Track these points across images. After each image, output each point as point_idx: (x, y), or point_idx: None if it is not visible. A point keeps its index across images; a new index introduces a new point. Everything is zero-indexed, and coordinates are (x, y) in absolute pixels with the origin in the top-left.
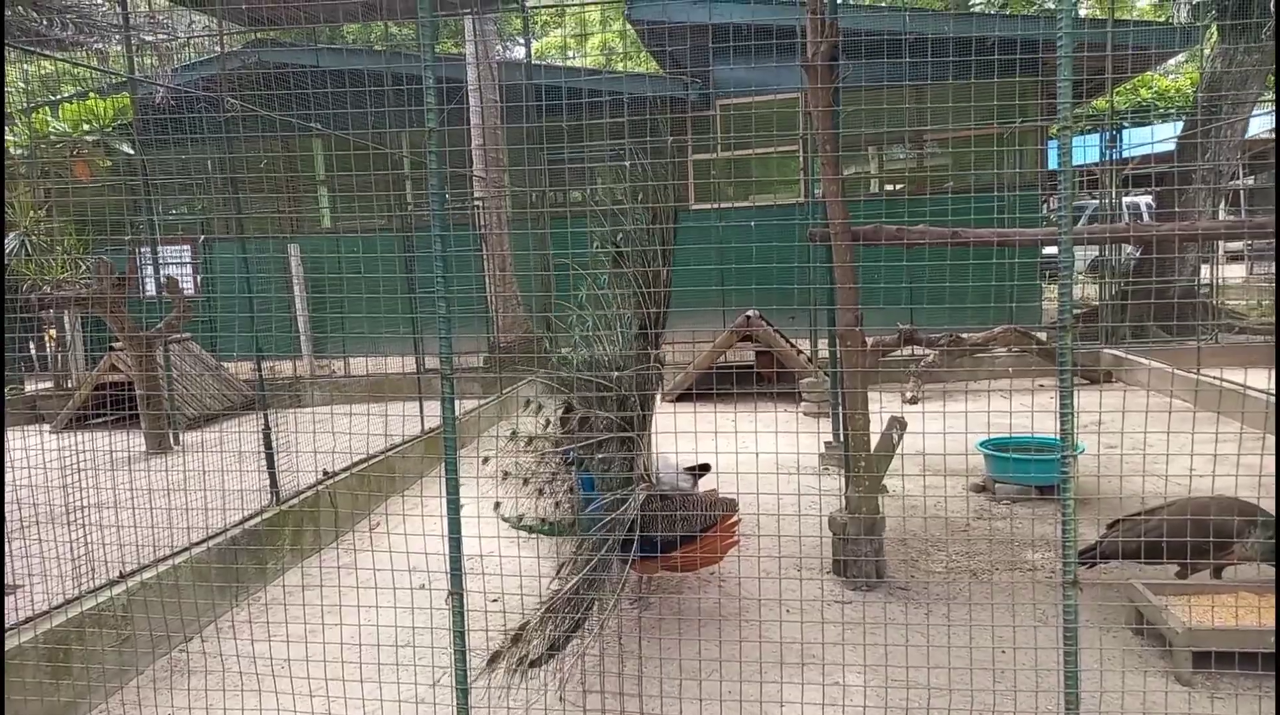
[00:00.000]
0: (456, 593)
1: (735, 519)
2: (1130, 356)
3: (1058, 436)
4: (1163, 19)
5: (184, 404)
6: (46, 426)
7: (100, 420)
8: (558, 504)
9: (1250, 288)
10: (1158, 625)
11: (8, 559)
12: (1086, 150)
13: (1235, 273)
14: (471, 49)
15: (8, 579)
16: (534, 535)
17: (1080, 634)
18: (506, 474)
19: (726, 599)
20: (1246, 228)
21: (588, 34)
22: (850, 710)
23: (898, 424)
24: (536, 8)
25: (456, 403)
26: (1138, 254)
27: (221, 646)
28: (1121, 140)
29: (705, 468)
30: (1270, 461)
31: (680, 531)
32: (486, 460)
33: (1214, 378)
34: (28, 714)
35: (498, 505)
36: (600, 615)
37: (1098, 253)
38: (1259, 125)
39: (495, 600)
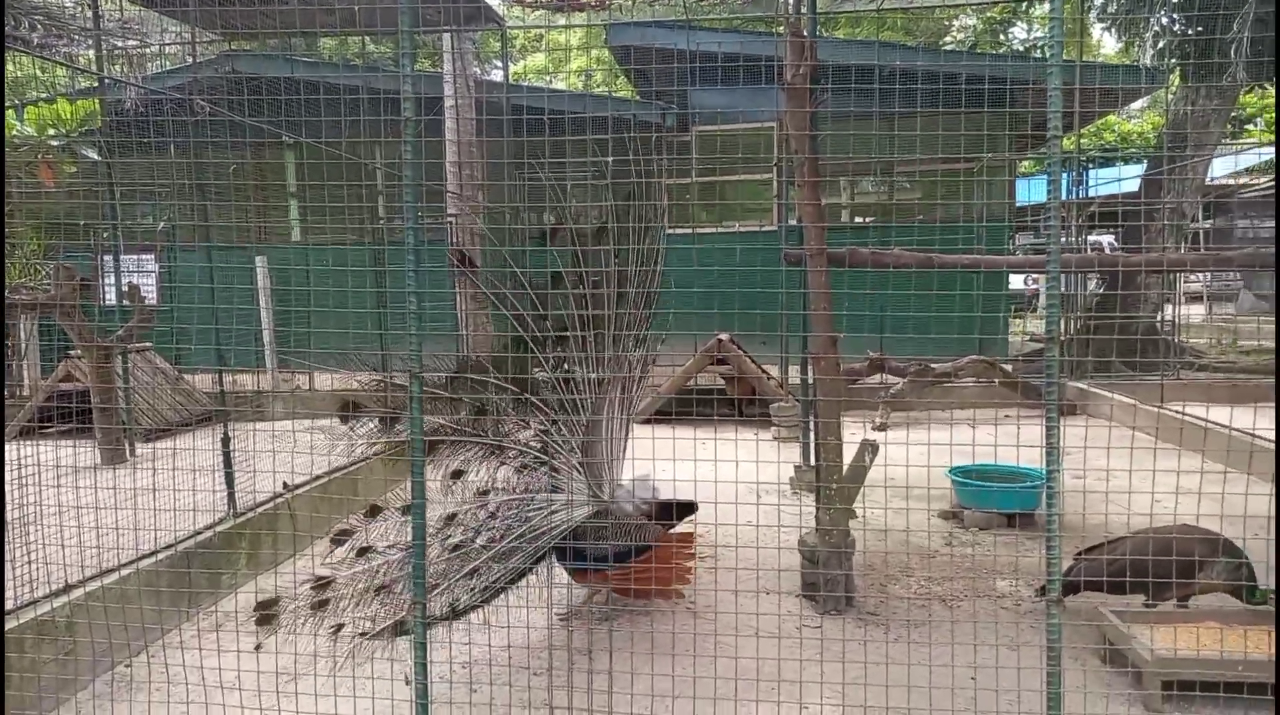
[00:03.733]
0: (420, 602)
1: (689, 547)
2: (1094, 389)
3: (1024, 465)
4: (1128, 62)
5: (140, 415)
6: None
7: (53, 429)
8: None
9: (1211, 327)
10: (1126, 653)
11: None
12: (1040, 188)
13: (1196, 311)
14: (449, 66)
15: None
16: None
17: (1040, 659)
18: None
19: (696, 620)
20: (1211, 260)
21: (567, 57)
22: None
23: (870, 447)
24: (516, 28)
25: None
26: (1101, 290)
27: (168, 661)
28: (1086, 179)
29: (689, 508)
30: (1235, 496)
31: (606, 548)
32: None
33: (1177, 412)
34: None
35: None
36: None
37: (1060, 288)
38: (1220, 168)
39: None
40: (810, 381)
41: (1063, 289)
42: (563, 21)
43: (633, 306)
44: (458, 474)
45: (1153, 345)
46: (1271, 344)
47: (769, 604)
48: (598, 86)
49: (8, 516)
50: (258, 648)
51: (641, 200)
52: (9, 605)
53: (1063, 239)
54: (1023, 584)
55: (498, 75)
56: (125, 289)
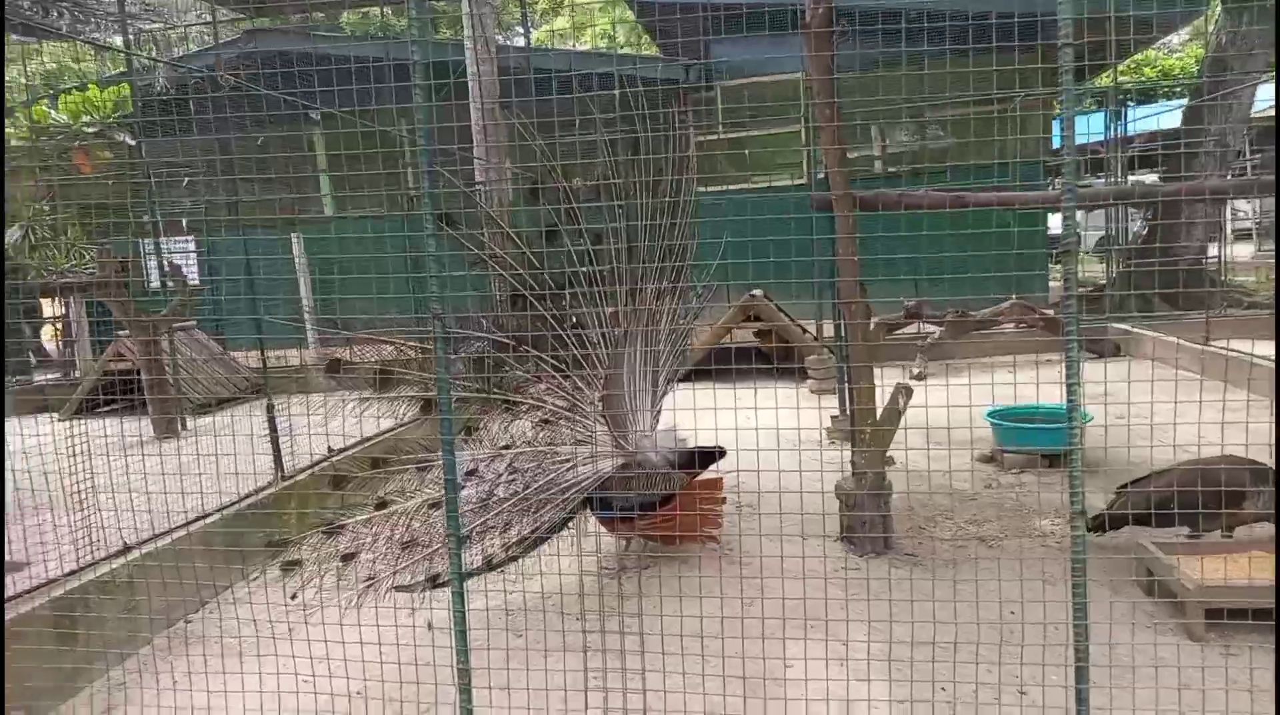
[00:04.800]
0: (455, 535)
1: (718, 492)
2: (1137, 330)
3: (1064, 405)
4: None
5: (189, 390)
6: (55, 415)
7: (109, 407)
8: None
9: (1258, 265)
10: (1169, 583)
11: (14, 540)
12: (1090, 128)
13: (1243, 251)
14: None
15: (15, 556)
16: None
17: (1089, 593)
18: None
19: (731, 566)
20: (1257, 185)
21: (587, 24)
22: (855, 666)
23: (904, 390)
24: None
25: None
26: (1144, 230)
27: (223, 618)
28: (1126, 118)
29: (713, 455)
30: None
31: (634, 499)
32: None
33: (1219, 348)
34: (36, 679)
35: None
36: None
37: (1104, 231)
38: (1264, 100)
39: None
40: (843, 331)
41: (1107, 229)
42: None
43: (647, 260)
44: (469, 429)
45: (1197, 282)
46: None
47: (808, 549)
48: (621, 47)
49: (68, 486)
50: (293, 597)
51: (655, 154)
52: (71, 566)
53: (1105, 179)
54: (1065, 523)
55: (520, 42)
56: (167, 269)
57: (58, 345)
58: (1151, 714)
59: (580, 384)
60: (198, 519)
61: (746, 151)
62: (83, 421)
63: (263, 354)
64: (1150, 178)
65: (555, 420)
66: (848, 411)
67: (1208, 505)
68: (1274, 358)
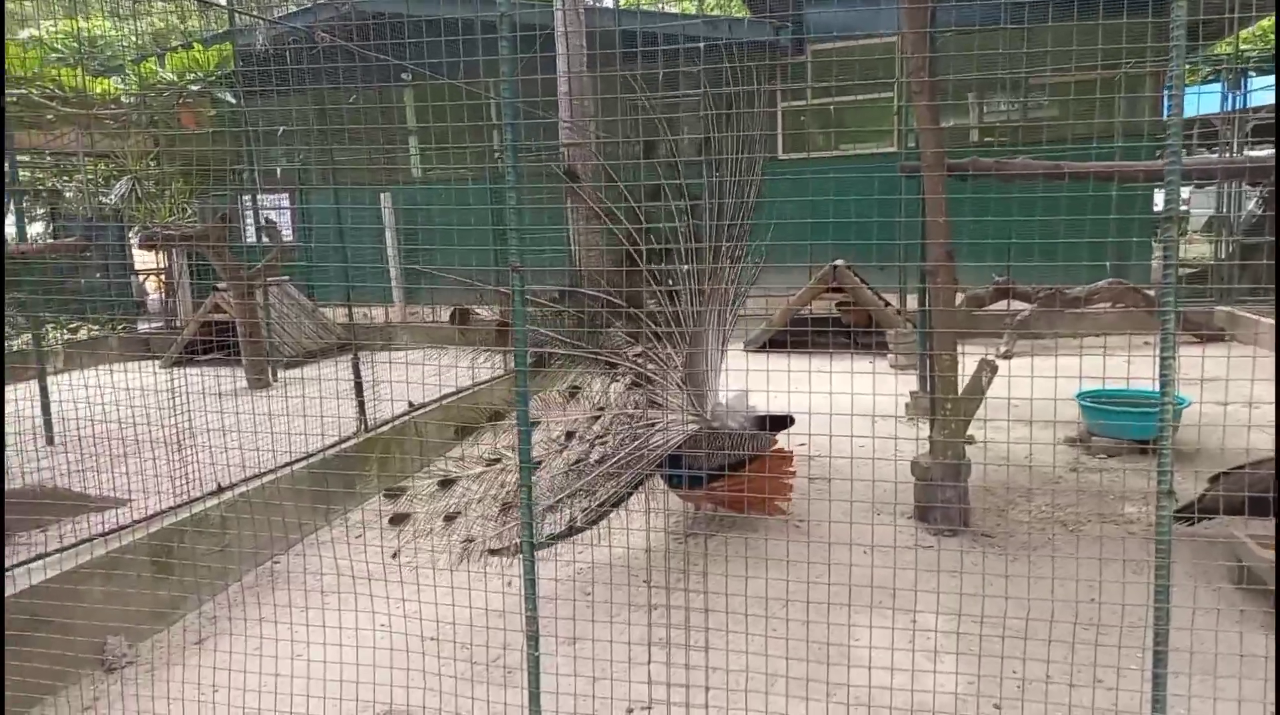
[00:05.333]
0: (526, 485)
1: (788, 466)
2: (1244, 313)
3: (1157, 389)
4: None
5: (281, 343)
6: (157, 362)
7: (207, 357)
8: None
9: None
10: (1259, 573)
11: (119, 477)
12: (1202, 100)
13: None
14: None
15: (117, 495)
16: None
17: (1176, 586)
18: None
19: (799, 536)
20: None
21: None
22: (923, 646)
23: (988, 366)
24: None
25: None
26: (1259, 212)
27: (308, 559)
28: (1247, 88)
29: (784, 421)
30: None
31: (707, 468)
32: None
33: None
34: (137, 606)
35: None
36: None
37: (1214, 210)
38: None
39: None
40: (927, 307)
41: (1217, 210)
42: None
43: (730, 219)
44: (574, 391)
45: None
46: None
47: (879, 524)
48: (712, 9)
49: (167, 429)
50: (395, 555)
51: (740, 114)
52: (169, 503)
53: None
54: (1153, 509)
55: (608, 2)
56: (263, 224)
57: (161, 296)
58: (1234, 703)
59: (670, 347)
60: (286, 465)
61: (833, 118)
62: (183, 370)
63: (350, 312)
64: (1267, 152)
65: (647, 383)
66: (928, 386)
67: None
68: (1274, 356)
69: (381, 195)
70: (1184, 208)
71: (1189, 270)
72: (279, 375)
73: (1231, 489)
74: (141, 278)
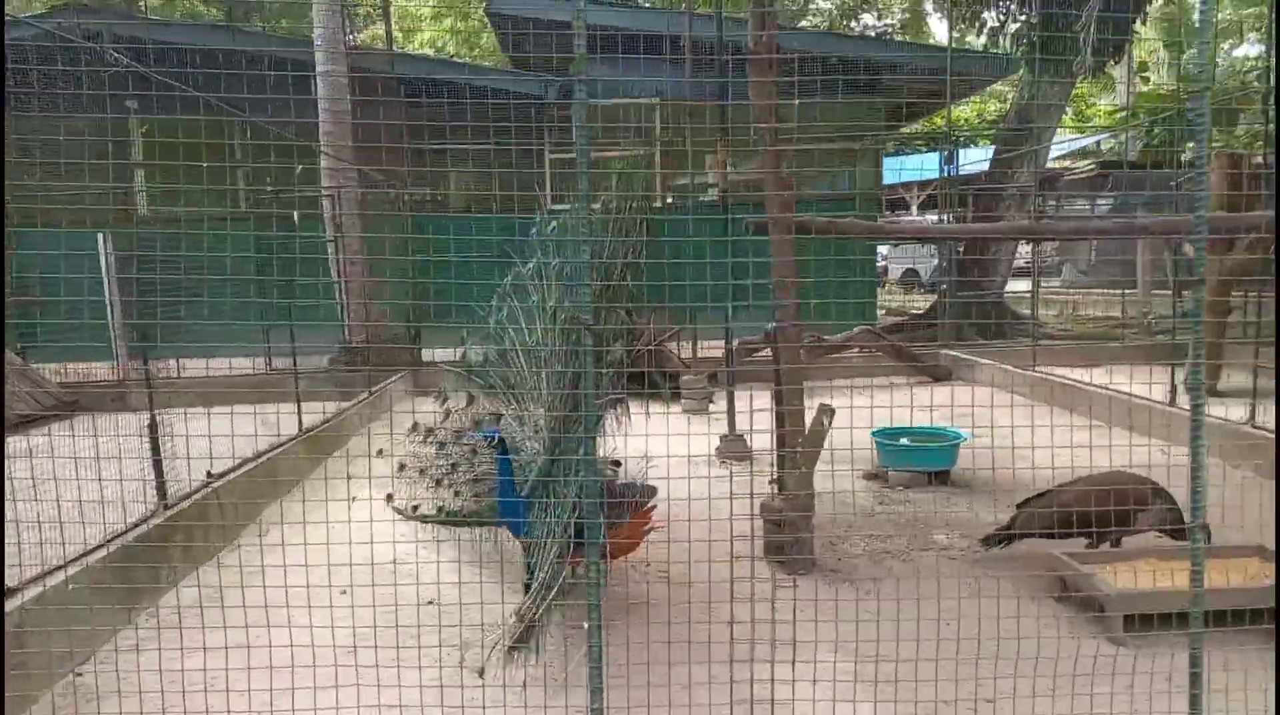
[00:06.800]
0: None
1: (651, 505)
2: (966, 356)
3: (939, 425)
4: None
5: None
6: None
7: None
8: (456, 493)
9: (1040, 298)
10: (1087, 591)
11: None
12: (923, 168)
13: (1023, 286)
14: (320, 31)
15: None
16: (429, 524)
17: (1005, 605)
18: (403, 466)
19: (669, 588)
20: (1090, 230)
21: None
22: (841, 687)
23: (826, 411)
24: None
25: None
26: (943, 265)
27: (121, 667)
28: (957, 159)
29: (615, 464)
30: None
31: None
32: (380, 452)
33: (1047, 375)
34: None
35: (390, 497)
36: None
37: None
38: (1056, 153)
39: (430, 602)
40: (731, 353)
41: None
42: None
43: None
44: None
45: (998, 314)
46: (1101, 313)
47: (737, 568)
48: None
49: None
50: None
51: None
52: None
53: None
54: (957, 536)
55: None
56: None
57: None
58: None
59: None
60: (65, 566)
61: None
62: None
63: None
64: (931, 218)
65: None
66: (736, 432)
67: (1103, 520)
68: (1274, 372)
69: (98, 235)
70: (881, 261)
71: (900, 318)
72: None
73: (1043, 512)
74: None
